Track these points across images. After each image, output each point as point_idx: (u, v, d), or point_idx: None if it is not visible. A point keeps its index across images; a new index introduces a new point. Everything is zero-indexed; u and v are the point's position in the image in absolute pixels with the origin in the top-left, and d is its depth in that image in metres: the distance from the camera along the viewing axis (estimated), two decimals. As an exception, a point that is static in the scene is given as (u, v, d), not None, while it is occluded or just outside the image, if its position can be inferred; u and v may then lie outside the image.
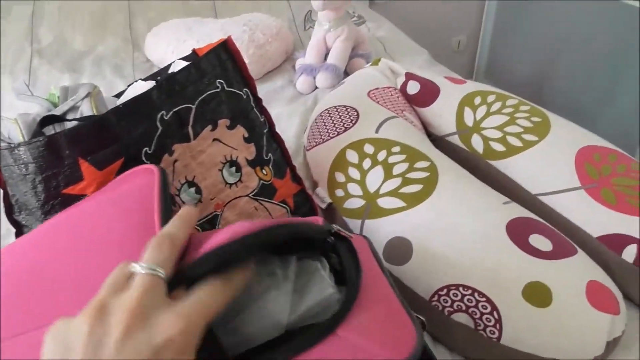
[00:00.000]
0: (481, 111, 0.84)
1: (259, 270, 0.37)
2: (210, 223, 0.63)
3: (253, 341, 0.33)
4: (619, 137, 1.10)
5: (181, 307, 0.26)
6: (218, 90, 0.63)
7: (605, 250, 0.65)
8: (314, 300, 0.35)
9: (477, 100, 0.87)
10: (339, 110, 0.86)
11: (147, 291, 0.25)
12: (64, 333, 0.25)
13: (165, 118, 0.58)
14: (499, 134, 0.80)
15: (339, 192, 0.74)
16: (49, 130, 0.56)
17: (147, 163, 0.57)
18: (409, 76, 0.95)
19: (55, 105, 0.59)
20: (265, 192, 0.67)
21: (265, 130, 0.69)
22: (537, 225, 0.63)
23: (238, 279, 0.29)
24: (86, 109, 0.56)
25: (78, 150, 0.54)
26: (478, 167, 0.81)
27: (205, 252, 0.29)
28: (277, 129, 0.73)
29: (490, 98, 0.86)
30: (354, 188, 0.72)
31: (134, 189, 0.49)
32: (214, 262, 0.28)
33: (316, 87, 1.22)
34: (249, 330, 0.33)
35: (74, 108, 0.56)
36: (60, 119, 0.56)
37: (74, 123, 0.57)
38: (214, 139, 0.63)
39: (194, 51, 0.78)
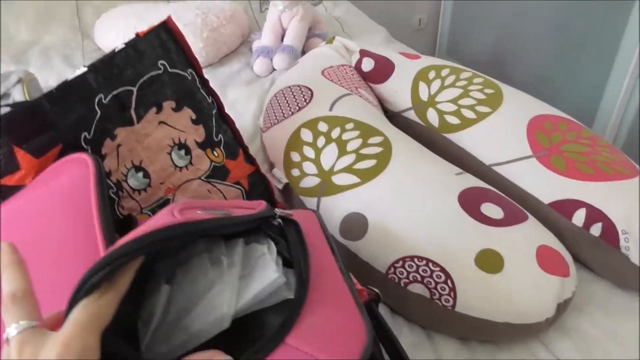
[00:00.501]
0: (435, 85, 0.85)
1: (204, 261, 0.36)
2: (161, 207, 0.62)
3: (200, 337, 0.33)
4: (578, 110, 1.13)
5: (59, 333, 0.27)
6: (160, 71, 0.61)
7: (556, 215, 0.66)
8: (259, 288, 0.35)
9: (432, 74, 0.87)
10: (293, 90, 0.85)
11: (21, 344, 0.27)
12: None
13: (104, 102, 0.55)
14: (453, 107, 0.80)
15: (295, 172, 0.73)
16: (-21, 120, 0.53)
17: (86, 149, 0.55)
18: (364, 53, 0.94)
19: (-13, 94, 0.56)
20: (218, 173, 0.66)
21: (214, 111, 0.67)
22: (489, 194, 0.64)
23: (122, 279, 0.30)
24: (18, 96, 0.53)
25: (12, 138, 0.51)
26: (434, 141, 0.81)
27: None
28: (235, 113, 0.72)
29: (444, 72, 0.87)
30: (309, 167, 0.71)
31: (69, 183, 0.47)
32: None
33: (274, 69, 1.20)
34: (196, 327, 0.33)
35: (5, 95, 0.54)
36: (-10, 106, 0.53)
37: (5, 111, 0.54)
38: (160, 122, 0.61)
39: (137, 35, 0.75)
